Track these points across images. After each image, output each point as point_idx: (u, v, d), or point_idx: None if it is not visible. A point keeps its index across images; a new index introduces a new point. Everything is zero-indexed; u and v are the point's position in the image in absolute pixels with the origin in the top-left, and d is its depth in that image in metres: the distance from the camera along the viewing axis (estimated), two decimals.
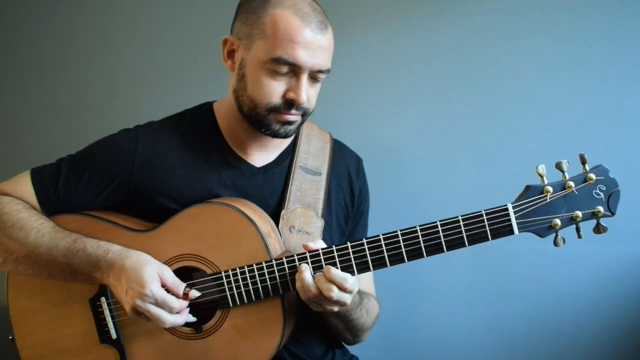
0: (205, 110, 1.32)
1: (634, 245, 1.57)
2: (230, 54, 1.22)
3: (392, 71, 1.73)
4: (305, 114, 1.21)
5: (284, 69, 1.13)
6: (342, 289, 1.08)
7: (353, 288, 1.10)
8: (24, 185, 1.24)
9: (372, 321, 1.31)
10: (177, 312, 1.12)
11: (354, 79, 1.74)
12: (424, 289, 1.72)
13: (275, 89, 1.15)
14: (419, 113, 1.72)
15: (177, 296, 1.12)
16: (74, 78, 1.90)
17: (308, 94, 1.17)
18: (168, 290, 1.12)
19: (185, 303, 1.13)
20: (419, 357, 1.72)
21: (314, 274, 1.11)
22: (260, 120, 1.18)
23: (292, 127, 1.20)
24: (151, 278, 1.10)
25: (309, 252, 1.12)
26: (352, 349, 1.40)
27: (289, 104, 1.16)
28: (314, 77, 1.17)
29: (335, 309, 1.13)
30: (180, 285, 1.13)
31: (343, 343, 1.38)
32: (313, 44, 1.13)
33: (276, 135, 1.20)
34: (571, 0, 1.60)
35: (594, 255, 1.59)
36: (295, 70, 1.14)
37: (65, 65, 1.90)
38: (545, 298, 1.65)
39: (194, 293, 1.14)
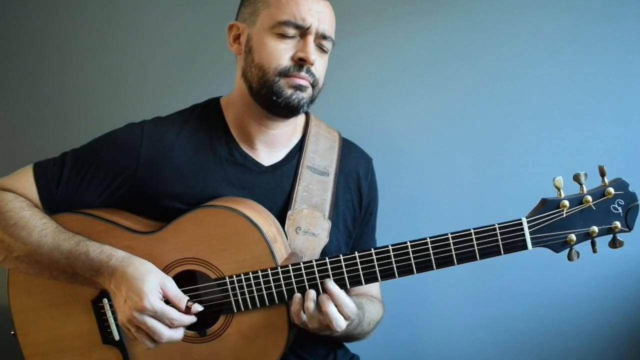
0: (212, 106, 1.29)
1: (635, 245, 1.55)
2: (236, 38, 1.22)
3: (396, 71, 1.70)
4: (314, 85, 1.19)
5: (291, 31, 1.15)
6: (344, 315, 1.08)
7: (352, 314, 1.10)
8: (26, 181, 1.20)
9: (374, 327, 1.30)
10: (177, 326, 1.09)
11: (356, 78, 1.72)
12: (425, 288, 1.71)
13: (283, 51, 1.15)
14: (423, 113, 1.70)
15: (179, 309, 1.10)
16: (74, 76, 1.86)
17: (316, 61, 1.16)
18: (169, 303, 1.09)
19: (188, 318, 1.10)
20: (420, 356, 1.72)
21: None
22: (271, 87, 1.15)
23: (305, 94, 1.17)
24: (151, 290, 1.07)
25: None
26: (353, 348, 1.40)
27: (299, 65, 1.15)
28: (319, 45, 1.18)
29: (327, 333, 1.12)
30: (183, 298, 1.10)
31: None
32: (316, 8, 1.16)
33: (289, 103, 1.16)
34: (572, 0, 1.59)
35: (595, 255, 1.57)
36: (301, 32, 1.15)
37: (66, 63, 1.86)
38: (547, 298, 1.65)
39: (197, 307, 1.11)
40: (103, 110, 1.83)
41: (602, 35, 1.57)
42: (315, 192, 1.26)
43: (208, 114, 1.27)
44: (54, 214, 1.20)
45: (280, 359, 1.15)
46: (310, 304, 1.07)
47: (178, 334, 1.10)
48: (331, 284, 1.08)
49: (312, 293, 1.09)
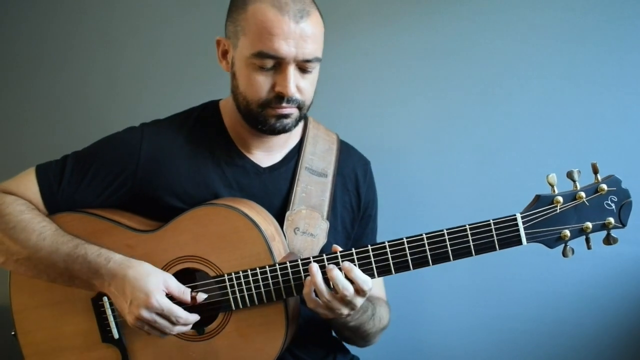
0: (211, 108, 1.31)
1: (635, 245, 1.56)
2: (224, 54, 1.22)
3: (395, 72, 1.71)
4: (301, 107, 1.18)
5: (269, 62, 1.12)
6: (359, 291, 1.06)
7: (368, 291, 1.08)
8: (29, 182, 1.22)
9: (385, 325, 1.30)
10: (182, 324, 1.12)
11: (354, 79, 1.72)
12: (424, 288, 1.71)
13: (263, 84, 1.14)
14: (420, 113, 1.71)
15: (185, 302, 1.12)
16: (74, 77, 1.88)
17: (299, 85, 1.14)
18: (174, 298, 1.12)
19: (193, 317, 1.13)
20: (419, 356, 1.72)
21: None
22: (256, 117, 1.17)
23: (289, 120, 1.18)
24: (156, 288, 1.09)
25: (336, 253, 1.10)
26: (352, 350, 1.39)
27: (279, 97, 1.14)
28: (302, 67, 1.14)
29: (345, 312, 1.09)
30: (186, 291, 1.13)
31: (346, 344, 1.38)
32: (293, 34, 1.10)
33: (274, 130, 1.18)
34: (571, 0, 1.59)
35: (594, 254, 1.56)
36: (279, 62, 1.12)
37: (66, 64, 1.89)
38: (546, 298, 1.65)
39: (202, 296, 1.14)
40: (103, 111, 1.85)
41: (602, 35, 1.58)
42: (313, 193, 1.27)
43: (207, 117, 1.29)
44: (56, 213, 1.22)
45: (278, 357, 1.15)
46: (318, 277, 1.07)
47: (185, 328, 1.13)
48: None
49: (314, 266, 1.08)
